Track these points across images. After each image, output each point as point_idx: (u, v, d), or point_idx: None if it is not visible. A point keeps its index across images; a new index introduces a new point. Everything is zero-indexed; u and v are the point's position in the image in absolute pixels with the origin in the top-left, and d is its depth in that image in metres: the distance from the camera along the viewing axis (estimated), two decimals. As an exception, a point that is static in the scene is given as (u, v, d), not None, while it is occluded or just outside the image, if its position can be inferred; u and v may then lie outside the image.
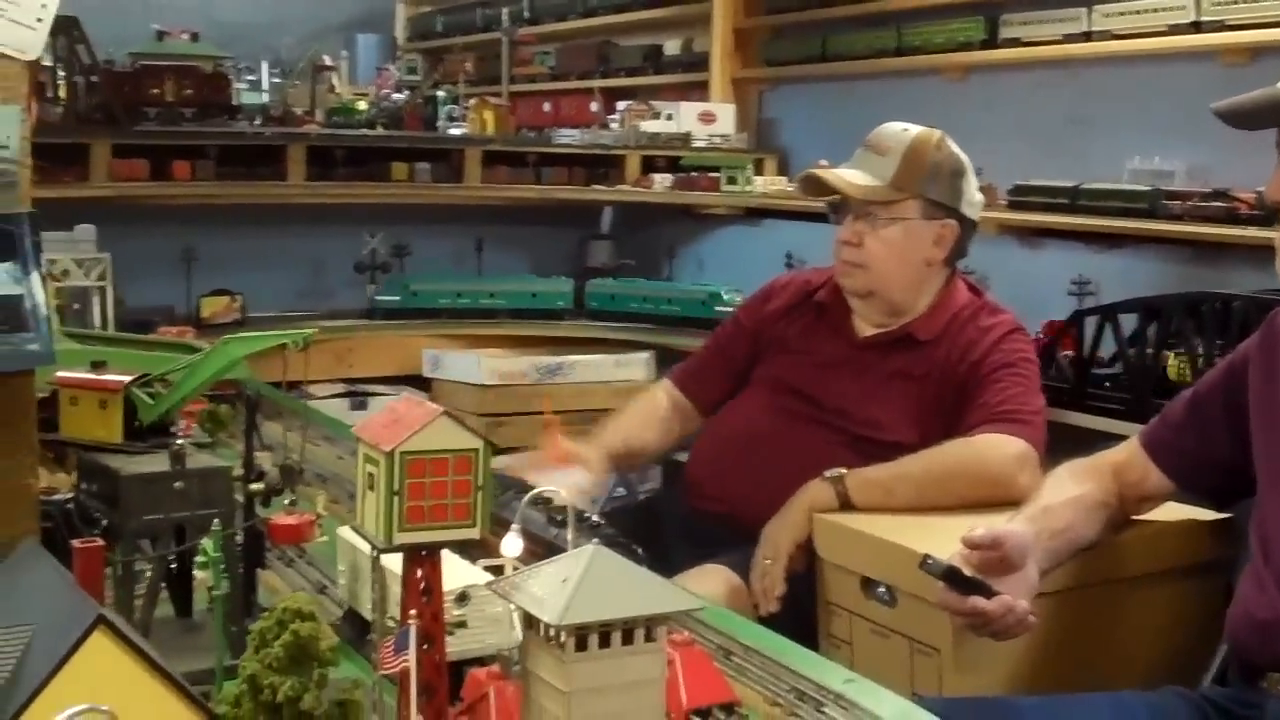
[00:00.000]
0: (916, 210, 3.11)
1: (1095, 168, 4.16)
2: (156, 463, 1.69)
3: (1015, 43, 4.59)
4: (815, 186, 3.22)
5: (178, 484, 1.65)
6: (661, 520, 3.23)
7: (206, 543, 1.46)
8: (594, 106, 6.13)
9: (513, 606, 1.33)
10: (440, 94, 5.97)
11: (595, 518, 2.37)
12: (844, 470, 2.87)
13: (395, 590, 1.38)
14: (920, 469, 2.86)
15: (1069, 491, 2.53)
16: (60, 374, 1.84)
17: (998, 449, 2.85)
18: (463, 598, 1.53)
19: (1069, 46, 4.37)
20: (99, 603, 1.22)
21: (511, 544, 1.55)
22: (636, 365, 5.10)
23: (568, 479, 2.89)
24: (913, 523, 2.71)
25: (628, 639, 1.23)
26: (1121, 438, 2.71)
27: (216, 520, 1.54)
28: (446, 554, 1.49)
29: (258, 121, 5.29)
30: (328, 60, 6.00)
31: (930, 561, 2.31)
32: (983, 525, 2.37)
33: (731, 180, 5.39)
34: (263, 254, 5.32)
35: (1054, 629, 2.52)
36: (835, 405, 3.09)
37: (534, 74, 7.03)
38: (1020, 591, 2.33)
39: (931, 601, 2.39)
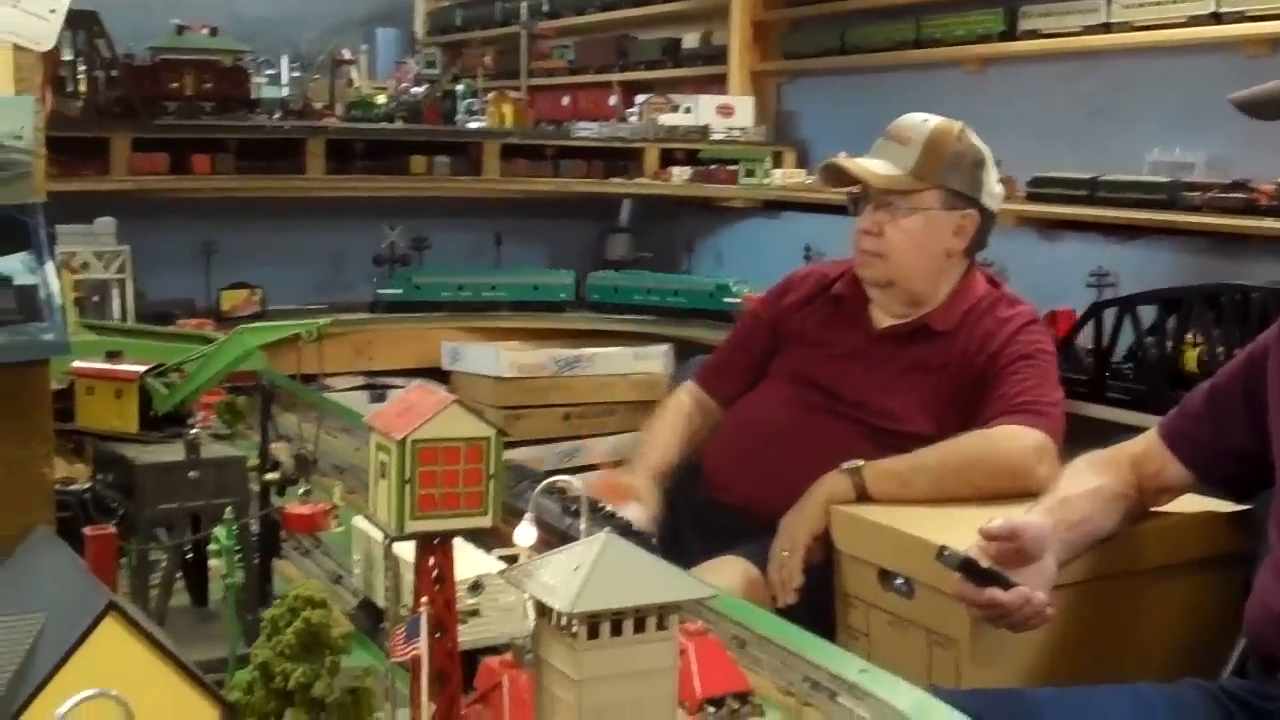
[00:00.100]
0: (937, 200, 3.10)
1: (1115, 160, 4.15)
2: (172, 452, 1.70)
3: (1034, 34, 4.58)
4: (836, 176, 3.21)
5: (192, 473, 1.66)
6: (678, 512, 3.23)
7: (219, 531, 1.46)
8: (613, 100, 6.12)
9: (525, 595, 1.33)
10: (459, 88, 5.97)
11: (611, 509, 2.37)
12: (861, 462, 2.86)
13: (409, 579, 1.38)
14: (938, 460, 2.85)
15: (1087, 483, 2.52)
16: (76, 364, 1.85)
17: (1015, 440, 2.85)
18: (476, 587, 1.54)
19: (1088, 38, 4.36)
20: (111, 590, 1.22)
21: (525, 533, 1.55)
22: (654, 358, 5.10)
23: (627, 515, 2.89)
24: (930, 514, 2.70)
25: (640, 627, 1.23)
26: (1140, 430, 2.70)
27: (229, 509, 1.53)
28: (460, 543, 1.49)
29: (277, 115, 5.30)
30: (347, 54, 6.01)
31: (947, 553, 2.31)
32: (1000, 516, 2.36)
33: (750, 173, 5.38)
34: (282, 247, 5.34)
35: (1072, 621, 2.51)
36: (852, 397, 3.09)
37: (553, 68, 7.02)
38: (1038, 583, 2.32)
39: (949, 593, 2.38)
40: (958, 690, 2.30)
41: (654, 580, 1.26)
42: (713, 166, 5.52)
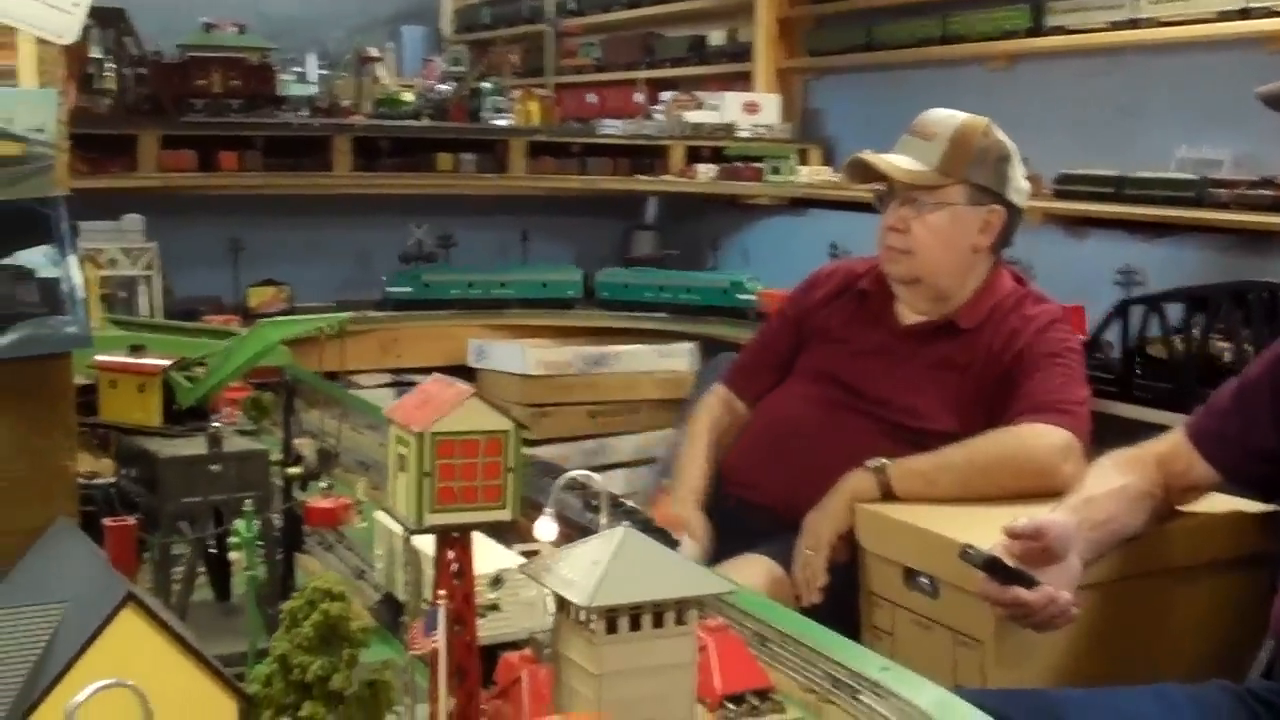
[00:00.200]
0: (963, 196, 3.09)
1: (1142, 157, 4.12)
2: (194, 446, 1.70)
3: (1061, 30, 4.55)
4: (861, 172, 3.20)
5: (215, 467, 1.66)
6: (703, 511, 3.22)
7: (240, 524, 1.46)
8: (638, 97, 6.12)
9: (545, 589, 1.33)
10: (486, 85, 5.97)
11: (632, 504, 2.37)
12: (886, 460, 2.86)
13: (429, 572, 1.38)
14: (963, 458, 2.84)
15: (1112, 482, 2.51)
16: (99, 358, 1.85)
17: (1041, 439, 2.83)
18: (497, 581, 1.54)
19: (1115, 34, 4.33)
20: (131, 581, 1.23)
21: (545, 528, 1.55)
22: (680, 356, 5.10)
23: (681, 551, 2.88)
24: (955, 513, 2.70)
25: (658, 622, 1.23)
26: (1167, 428, 2.68)
27: (249, 502, 1.53)
28: (481, 538, 1.49)
29: (304, 113, 5.31)
30: (373, 52, 6.01)
31: (971, 551, 2.30)
32: (1025, 515, 2.35)
33: (775, 170, 5.38)
34: (309, 244, 5.35)
35: (1097, 621, 2.50)
36: (876, 394, 3.08)
37: (579, 65, 7.03)
38: (1062, 582, 2.32)
39: (974, 592, 2.37)
40: (981, 690, 2.30)
41: (672, 575, 1.26)
42: (738, 164, 5.51)
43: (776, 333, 3.42)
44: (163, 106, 4.82)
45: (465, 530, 1.26)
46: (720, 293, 5.13)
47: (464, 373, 5.05)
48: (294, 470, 1.81)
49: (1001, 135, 3.13)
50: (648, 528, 1.80)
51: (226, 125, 4.91)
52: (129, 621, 1.06)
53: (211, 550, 1.77)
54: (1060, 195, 4.20)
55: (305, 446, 1.89)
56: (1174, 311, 3.50)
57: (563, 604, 1.25)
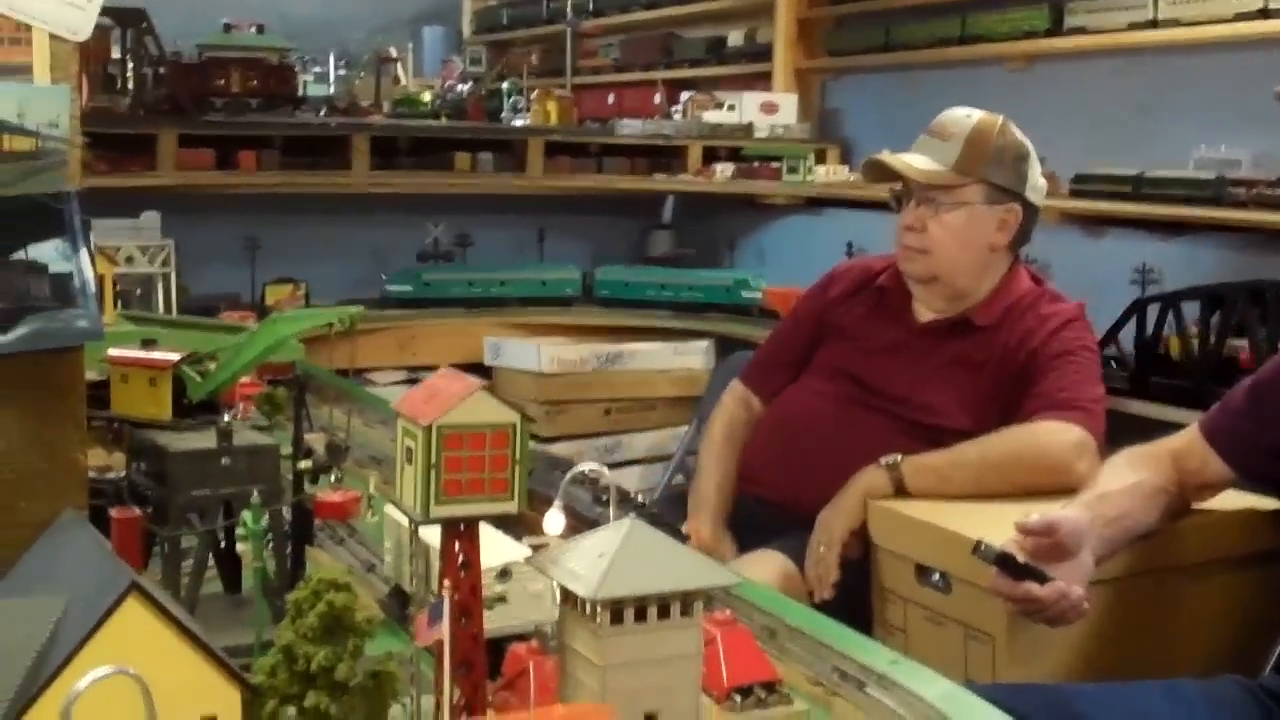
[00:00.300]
0: (979, 195, 3.08)
1: (1161, 157, 4.10)
2: (204, 439, 1.71)
3: (1080, 31, 4.53)
4: (878, 172, 3.20)
5: (225, 460, 1.67)
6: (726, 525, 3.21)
7: (247, 515, 1.47)
8: (657, 98, 6.12)
9: (552, 581, 1.33)
10: (505, 85, 5.98)
11: (642, 498, 2.37)
12: (899, 456, 2.85)
13: (437, 565, 1.38)
14: (977, 455, 2.84)
15: (1126, 479, 2.51)
16: (111, 352, 1.86)
17: (1056, 436, 2.83)
18: (504, 574, 1.54)
19: (1135, 34, 4.31)
20: (140, 573, 1.23)
21: (554, 521, 1.56)
22: (695, 354, 5.10)
23: None
24: (968, 509, 2.69)
25: (663, 614, 1.23)
26: (1182, 426, 2.67)
27: (256, 494, 1.54)
28: (490, 531, 1.50)
29: (323, 112, 5.33)
30: (393, 52, 6.03)
31: (983, 547, 2.30)
32: (1037, 512, 2.35)
33: (793, 170, 5.37)
34: (326, 243, 5.36)
35: (1110, 618, 2.49)
36: (892, 391, 3.08)
37: (598, 66, 7.03)
38: (1075, 578, 2.31)
39: (985, 588, 2.37)
40: (993, 685, 2.29)
41: (678, 567, 1.26)
42: (756, 164, 5.51)
43: (794, 329, 3.42)
44: (182, 106, 4.84)
45: (472, 522, 1.26)
46: (724, 291, 5.14)
47: (480, 370, 5.05)
48: (304, 464, 1.82)
49: (1018, 134, 3.12)
50: (655, 521, 1.80)
51: (245, 124, 4.92)
52: (133, 611, 1.07)
53: (221, 543, 1.78)
54: (1077, 194, 4.19)
55: (316, 441, 1.90)
56: (1190, 310, 3.49)
57: (568, 596, 1.25)
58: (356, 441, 2.32)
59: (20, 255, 1.52)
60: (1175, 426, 2.77)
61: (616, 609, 1.20)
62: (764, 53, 6.05)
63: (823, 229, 5.32)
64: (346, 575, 1.22)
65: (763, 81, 6.01)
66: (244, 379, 2.22)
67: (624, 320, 5.27)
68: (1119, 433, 2.92)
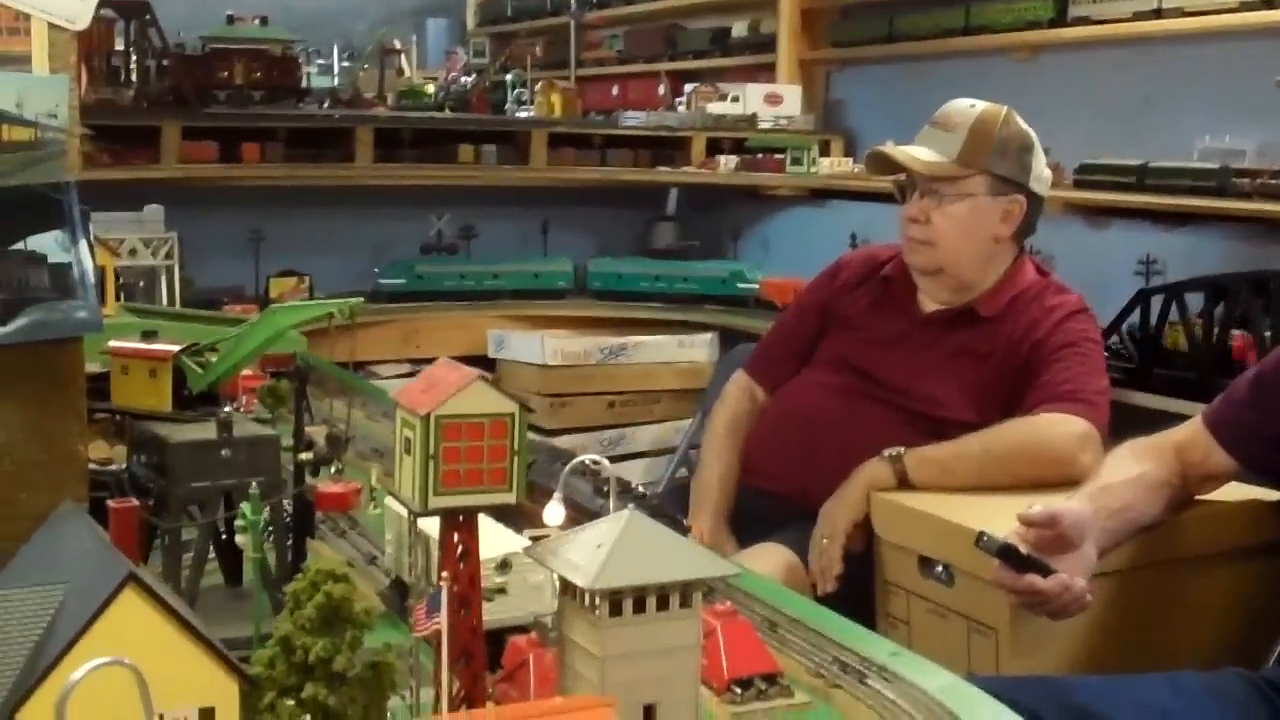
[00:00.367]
0: (983, 186, 3.08)
1: (1165, 147, 4.10)
2: (205, 431, 1.71)
3: (1084, 21, 4.52)
4: (881, 164, 3.20)
5: (225, 452, 1.67)
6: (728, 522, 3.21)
7: (245, 507, 1.46)
8: (661, 90, 6.12)
9: (551, 572, 1.33)
10: (508, 77, 5.98)
11: (643, 490, 2.37)
12: (902, 449, 2.85)
13: (436, 556, 1.38)
14: (980, 448, 2.83)
15: (1129, 470, 2.50)
16: (112, 343, 1.86)
17: (1059, 428, 2.82)
18: (504, 565, 1.54)
19: (1139, 24, 4.30)
20: (140, 564, 1.23)
21: (554, 512, 1.55)
22: (699, 347, 5.11)
23: None
24: (971, 502, 2.69)
25: (663, 604, 1.23)
26: (1186, 418, 2.67)
27: (254, 485, 1.54)
28: (490, 522, 1.50)
29: (326, 104, 5.33)
30: (396, 44, 6.03)
31: (986, 539, 2.29)
32: (1040, 504, 2.35)
33: (797, 161, 5.37)
34: (330, 235, 5.37)
35: (1113, 610, 2.49)
36: (895, 382, 3.07)
37: (602, 58, 7.02)
38: (1078, 570, 2.31)
39: (988, 580, 2.37)
40: (995, 677, 2.29)
41: (677, 557, 1.25)
42: (759, 155, 5.50)
43: (799, 320, 3.41)
44: (185, 98, 4.84)
45: (470, 513, 1.26)
46: (719, 282, 5.15)
47: (484, 363, 5.05)
48: (305, 455, 1.82)
49: (1022, 124, 3.11)
50: (655, 512, 1.79)
51: (248, 117, 4.93)
52: (130, 602, 1.07)
53: (222, 535, 1.78)
54: (1081, 185, 4.19)
55: (317, 433, 1.90)
56: (1194, 301, 3.49)
57: (567, 586, 1.25)
58: (358, 433, 2.32)
59: (19, 246, 1.52)
60: (1178, 418, 2.77)
61: (615, 600, 1.20)
62: (768, 44, 6.04)
63: (827, 220, 5.31)
64: (345, 566, 1.22)
65: (767, 73, 6.01)
66: (246, 372, 2.22)
67: (625, 312, 5.27)
68: (1122, 424, 2.91)
